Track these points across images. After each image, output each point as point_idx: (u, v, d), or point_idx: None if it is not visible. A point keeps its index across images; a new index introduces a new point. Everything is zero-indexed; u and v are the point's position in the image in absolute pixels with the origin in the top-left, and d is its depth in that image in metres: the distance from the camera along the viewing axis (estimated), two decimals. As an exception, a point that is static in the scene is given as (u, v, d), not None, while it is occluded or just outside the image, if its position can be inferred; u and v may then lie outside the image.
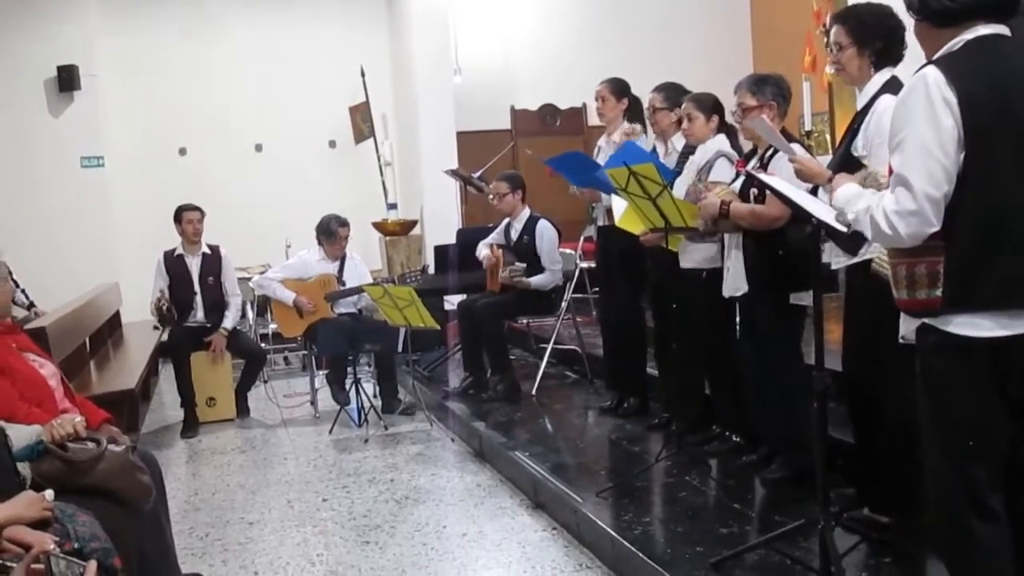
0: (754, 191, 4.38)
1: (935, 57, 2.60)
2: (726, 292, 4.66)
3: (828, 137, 10.55)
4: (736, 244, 4.55)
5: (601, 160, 6.06)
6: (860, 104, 3.72)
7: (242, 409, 7.83)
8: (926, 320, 2.60)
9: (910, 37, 3.55)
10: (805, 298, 4.29)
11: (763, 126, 4.02)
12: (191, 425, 7.42)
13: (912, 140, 2.51)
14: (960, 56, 2.55)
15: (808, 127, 9.64)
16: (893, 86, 3.58)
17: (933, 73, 2.51)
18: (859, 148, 3.61)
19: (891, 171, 2.59)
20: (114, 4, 10.88)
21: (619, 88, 6.15)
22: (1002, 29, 2.59)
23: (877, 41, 3.68)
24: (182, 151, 11.21)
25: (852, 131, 3.69)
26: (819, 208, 3.18)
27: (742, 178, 4.55)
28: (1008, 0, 2.58)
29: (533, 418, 6.62)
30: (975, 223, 2.49)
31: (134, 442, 4.18)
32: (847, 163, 3.56)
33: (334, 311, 7.63)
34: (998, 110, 2.47)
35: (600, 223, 6.32)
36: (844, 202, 2.77)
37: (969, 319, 2.51)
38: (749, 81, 4.59)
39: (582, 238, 7.82)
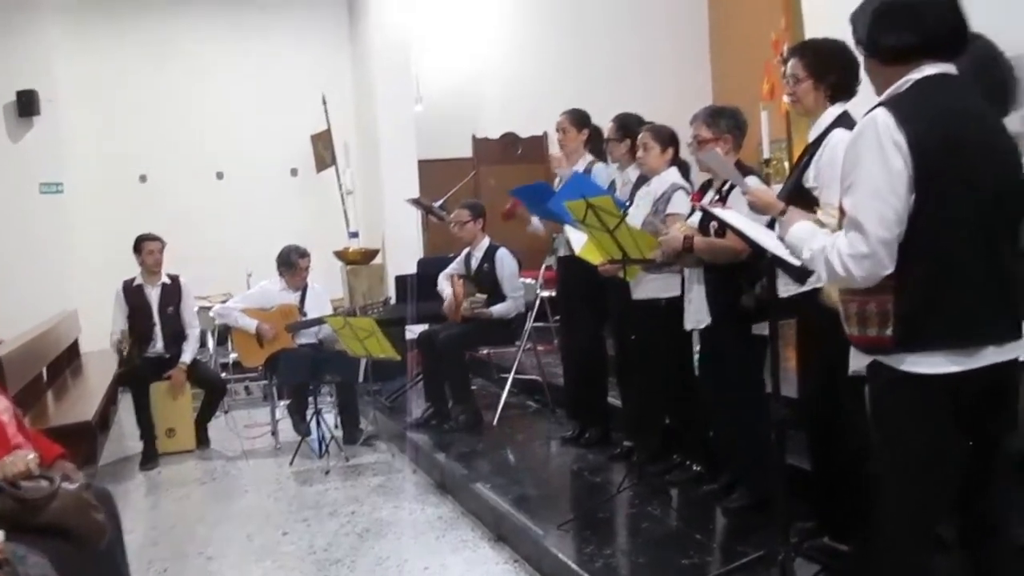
0: (714, 225, 4.41)
1: (884, 99, 2.62)
2: (688, 325, 4.68)
3: (786, 165, 10.64)
4: (697, 278, 4.57)
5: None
6: (812, 136, 3.77)
7: (202, 440, 7.76)
8: (878, 357, 2.62)
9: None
10: (767, 328, 4.31)
11: (716, 159, 4.06)
12: (150, 456, 7.34)
13: (863, 183, 2.53)
14: (908, 97, 2.58)
15: (767, 155, 9.71)
16: (846, 120, 3.64)
17: (883, 116, 2.53)
18: (810, 180, 3.66)
19: (842, 211, 2.62)
20: (75, 29, 10.84)
21: (579, 119, 6.20)
22: (949, 68, 2.61)
23: (832, 75, 3.75)
24: (143, 178, 11.14)
25: (804, 163, 3.74)
26: (771, 241, 3.20)
27: (698, 214, 4.57)
28: (953, 40, 2.61)
29: (495, 449, 6.60)
30: (925, 264, 2.51)
31: (91, 475, 4.14)
32: (798, 194, 3.60)
33: (295, 341, 7.58)
34: (946, 152, 2.50)
35: (561, 253, 6.34)
36: (798, 240, 2.79)
37: (920, 357, 2.52)
38: (705, 113, 4.64)
39: (543, 267, 7.84)
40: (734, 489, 4.75)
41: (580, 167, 6.11)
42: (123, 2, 10.98)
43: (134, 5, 11.00)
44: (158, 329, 7.60)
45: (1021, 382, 2.69)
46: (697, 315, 4.59)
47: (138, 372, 7.47)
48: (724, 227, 4.31)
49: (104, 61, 10.92)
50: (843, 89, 3.76)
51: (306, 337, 7.65)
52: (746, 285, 4.20)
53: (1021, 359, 2.74)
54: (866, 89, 2.94)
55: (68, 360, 9.01)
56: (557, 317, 7.43)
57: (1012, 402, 2.68)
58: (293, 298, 7.73)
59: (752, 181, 4.15)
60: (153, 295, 7.65)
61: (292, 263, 7.69)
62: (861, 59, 2.80)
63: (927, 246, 2.51)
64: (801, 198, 3.56)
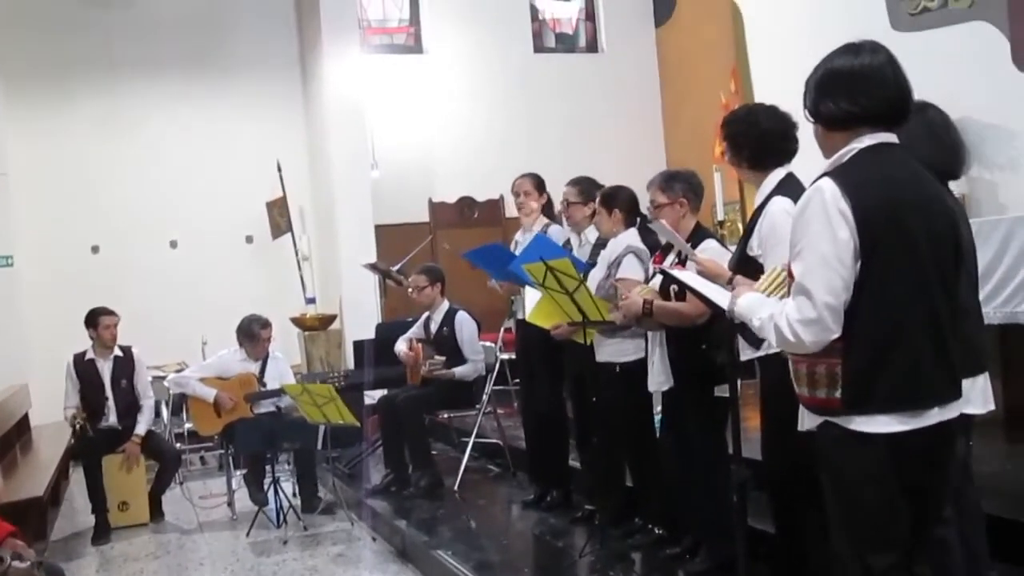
0: (674, 288, 4.44)
1: (829, 168, 2.69)
2: (651, 387, 4.69)
3: (740, 226, 10.78)
4: (659, 341, 4.59)
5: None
6: (757, 202, 3.83)
7: (156, 513, 7.60)
8: (827, 417, 2.66)
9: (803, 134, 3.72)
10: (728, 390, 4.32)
11: (663, 229, 4.13)
12: (103, 531, 7.17)
13: (810, 251, 2.60)
14: (852, 167, 2.65)
15: (720, 217, 9.87)
16: (786, 185, 3.72)
17: (828, 186, 2.60)
18: (754, 248, 3.72)
19: (791, 275, 2.66)
20: (24, 102, 10.77)
21: (540, 183, 6.30)
22: (890, 138, 2.69)
23: (744, 150, 3.86)
24: (94, 248, 11.04)
25: (748, 231, 3.80)
26: (727, 300, 3.22)
27: (659, 276, 4.60)
28: (895, 110, 2.68)
29: (456, 514, 6.53)
30: (871, 329, 2.58)
31: (41, 553, 4.04)
32: (744, 262, 3.66)
33: (254, 411, 7.49)
34: (890, 221, 2.57)
35: (520, 315, 6.35)
36: (747, 310, 2.83)
37: (868, 418, 2.58)
38: (660, 178, 4.70)
39: (502, 329, 7.84)
40: (696, 552, 4.72)
41: (536, 229, 6.15)
42: (71, 74, 10.95)
43: (83, 77, 10.97)
44: (111, 403, 7.46)
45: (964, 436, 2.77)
46: (659, 377, 4.59)
47: (90, 445, 7.31)
48: (684, 290, 4.36)
49: (54, 133, 10.85)
50: (762, 160, 3.85)
51: (265, 406, 7.54)
52: (714, 343, 4.21)
53: (968, 411, 2.81)
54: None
55: (18, 434, 8.84)
56: (517, 380, 7.43)
57: (955, 457, 2.79)
58: (253, 368, 7.63)
59: (709, 246, 4.21)
60: (105, 369, 7.52)
61: (254, 334, 7.60)
62: (809, 125, 2.85)
63: (872, 311, 2.57)
64: (748, 266, 3.63)
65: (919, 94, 2.79)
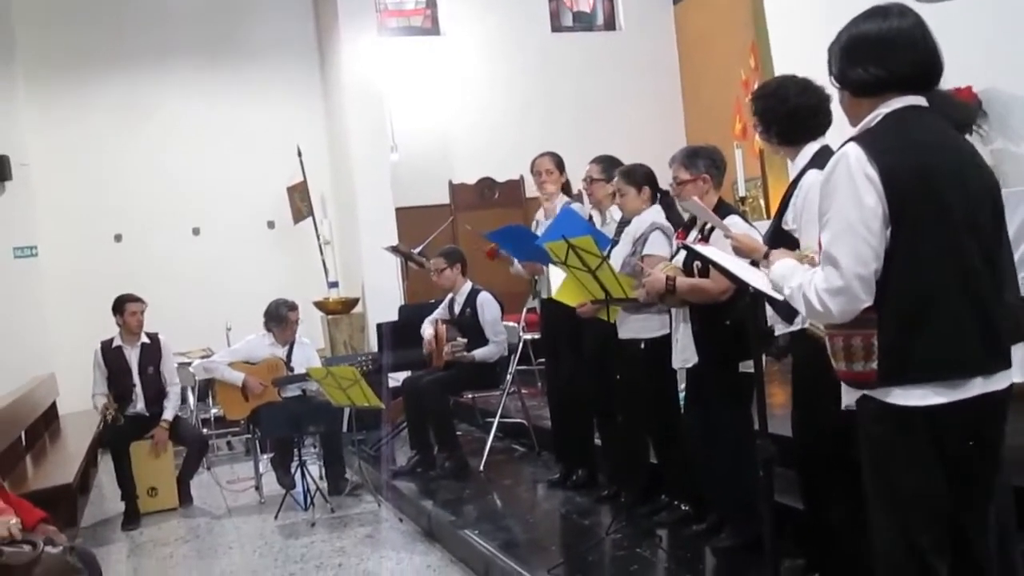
0: (697, 264, 4.42)
1: (856, 134, 2.63)
2: (676, 364, 4.68)
3: (762, 202, 10.75)
4: (684, 317, 4.57)
5: (541, 232, 6.11)
6: (792, 175, 3.79)
7: (185, 497, 7.66)
8: (865, 391, 2.61)
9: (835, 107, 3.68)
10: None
11: (696, 207, 4.09)
12: (132, 517, 7.23)
13: (837, 219, 2.54)
14: (880, 131, 2.58)
15: (742, 193, 9.81)
16: (821, 158, 3.65)
17: (854, 151, 2.53)
18: (789, 222, 3.67)
19: (821, 247, 2.63)
20: (45, 92, 10.82)
21: (559, 161, 6.28)
22: (919, 100, 2.62)
23: (773, 126, 3.83)
24: (118, 237, 11.10)
25: (783, 205, 3.76)
26: (756, 278, 3.21)
27: (683, 252, 4.58)
28: (925, 73, 2.62)
29: (482, 494, 6.56)
30: (903, 298, 2.51)
31: (72, 539, 4.08)
32: (779, 237, 3.62)
33: (281, 396, 7.53)
34: (920, 186, 2.50)
35: (544, 295, 6.35)
36: (779, 277, 2.79)
37: (906, 390, 2.51)
38: (682, 155, 4.67)
39: (525, 309, 7.84)
40: (722, 528, 4.72)
41: (557, 208, 6.14)
42: (93, 63, 10.98)
43: (104, 66, 11.00)
44: (138, 389, 7.53)
45: (1006, 416, 2.66)
46: (684, 354, 4.58)
47: (118, 432, 7.37)
48: (707, 267, 4.34)
49: (76, 123, 10.90)
50: (794, 134, 3.81)
51: (291, 390, 7.58)
52: (738, 319, 4.19)
53: (1016, 380, 2.72)
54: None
55: (46, 423, 8.91)
56: (541, 360, 7.43)
57: (998, 433, 2.65)
58: (281, 352, 7.66)
59: (733, 221, 4.18)
60: (132, 356, 7.58)
61: (282, 317, 7.62)
62: (835, 93, 2.80)
63: (905, 279, 2.51)
64: (782, 241, 3.58)
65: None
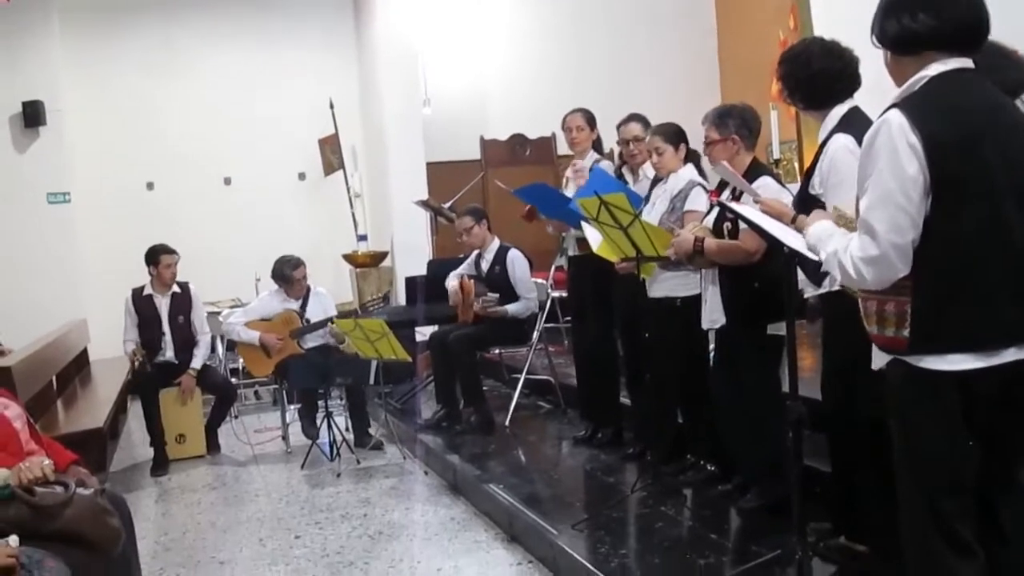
0: (727, 225, 4.38)
1: (898, 98, 2.58)
2: (705, 324, 4.65)
3: (796, 165, 10.62)
4: (712, 278, 4.54)
5: (570, 190, 6.09)
6: (820, 138, 3.75)
7: (212, 445, 7.75)
8: (896, 356, 2.60)
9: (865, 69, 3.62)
10: (783, 327, 4.28)
11: (725, 171, 4.05)
12: (161, 463, 7.33)
13: (877, 186, 2.51)
14: (923, 97, 2.54)
15: (776, 155, 9.70)
16: (849, 121, 3.62)
17: (897, 118, 2.49)
18: (816, 187, 3.64)
19: (859, 212, 2.60)
20: (80, 39, 10.84)
21: (591, 118, 6.24)
22: (965, 63, 2.57)
23: (797, 91, 3.79)
24: (150, 185, 11.14)
25: (810, 169, 3.72)
26: (791, 237, 3.18)
27: (715, 212, 4.55)
28: (968, 32, 2.56)
29: (507, 450, 6.58)
30: (940, 267, 2.49)
31: (103, 482, 4.12)
32: (807, 201, 3.60)
33: (301, 347, 7.56)
34: (963, 154, 2.46)
35: (571, 253, 6.33)
36: (816, 240, 2.77)
37: (938, 356, 2.51)
38: (713, 114, 4.62)
39: (553, 267, 7.83)
40: (748, 489, 4.72)
41: (587, 165, 6.11)
42: (128, 12, 10.97)
43: (139, 14, 10.99)
44: (168, 338, 7.59)
45: None
46: (712, 314, 4.56)
47: (148, 379, 7.44)
48: (737, 228, 4.31)
49: (109, 70, 10.93)
50: (818, 98, 3.76)
51: (312, 341, 7.61)
52: (768, 281, 4.16)
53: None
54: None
55: (77, 368, 9.01)
56: (568, 317, 7.42)
57: None
58: (294, 306, 7.68)
59: (764, 183, 4.14)
60: (163, 305, 7.63)
61: (286, 276, 7.64)
62: (882, 56, 2.74)
63: (944, 248, 2.48)
64: (810, 205, 3.55)
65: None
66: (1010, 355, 2.49)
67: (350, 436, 7.35)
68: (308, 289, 7.77)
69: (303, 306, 7.70)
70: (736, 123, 4.55)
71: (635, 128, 5.70)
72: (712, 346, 4.96)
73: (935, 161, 2.45)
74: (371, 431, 7.51)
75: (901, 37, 2.58)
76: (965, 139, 2.47)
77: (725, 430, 4.84)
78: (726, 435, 4.84)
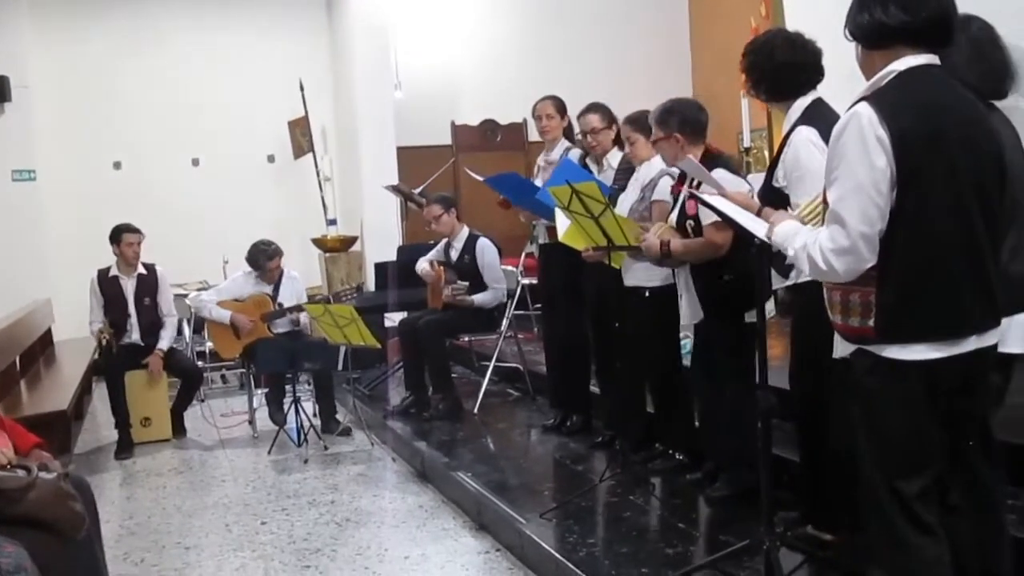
0: (690, 223, 4.40)
1: (867, 92, 2.62)
2: (684, 321, 4.66)
3: (766, 153, 10.65)
4: (684, 277, 4.55)
5: (541, 178, 6.07)
6: (784, 130, 3.77)
7: (178, 429, 7.68)
8: (861, 345, 2.64)
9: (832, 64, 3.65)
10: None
11: (691, 165, 4.06)
12: (126, 446, 7.26)
13: (846, 178, 2.55)
14: (891, 91, 2.58)
15: (747, 144, 9.74)
16: (812, 113, 3.67)
17: (866, 111, 2.53)
18: (779, 179, 3.67)
19: (826, 203, 2.63)
20: (47, 14, 10.69)
21: (562, 105, 6.23)
22: (932, 59, 2.62)
23: (761, 83, 3.83)
24: (116, 165, 11.02)
25: (774, 161, 3.75)
26: (759, 227, 3.18)
27: (676, 210, 4.55)
28: (936, 29, 2.60)
29: (475, 437, 6.57)
30: (906, 259, 2.54)
31: (66, 465, 4.07)
32: (771, 193, 3.61)
33: (271, 331, 7.51)
34: (929, 149, 2.51)
35: (541, 241, 6.31)
36: (783, 239, 2.80)
37: (902, 346, 2.56)
38: (657, 112, 4.66)
39: (523, 254, 7.81)
40: (717, 478, 4.73)
41: (557, 152, 6.11)
42: (97, -12, 10.84)
43: (109, -9, 10.87)
44: (134, 320, 7.50)
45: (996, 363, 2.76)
46: (691, 310, 4.57)
47: (113, 361, 7.37)
48: (700, 225, 4.32)
49: (77, 47, 10.78)
50: (780, 91, 3.80)
51: (282, 326, 7.57)
52: (736, 273, 4.18)
53: (1009, 350, 2.77)
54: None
55: (41, 349, 8.91)
56: (538, 305, 7.41)
57: (987, 387, 2.75)
58: (267, 289, 7.63)
59: (720, 175, 4.14)
60: (129, 286, 7.54)
61: (260, 266, 7.58)
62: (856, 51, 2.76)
63: (908, 240, 2.53)
64: (774, 197, 3.60)
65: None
66: (971, 344, 2.58)
67: (317, 422, 7.31)
68: (282, 272, 7.71)
69: (276, 289, 7.65)
70: (678, 120, 4.58)
71: (592, 119, 5.68)
72: (683, 335, 4.97)
73: (902, 154, 2.49)
74: (339, 417, 7.47)
75: (872, 30, 2.62)
76: (931, 134, 2.52)
77: (698, 419, 4.84)
78: (702, 423, 4.85)
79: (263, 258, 7.58)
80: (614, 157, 5.63)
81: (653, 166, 5.08)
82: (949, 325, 2.55)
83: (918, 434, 2.60)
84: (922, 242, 2.53)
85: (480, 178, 6.46)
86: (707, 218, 4.26)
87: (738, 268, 4.17)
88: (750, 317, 4.28)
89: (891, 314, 2.55)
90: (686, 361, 5.06)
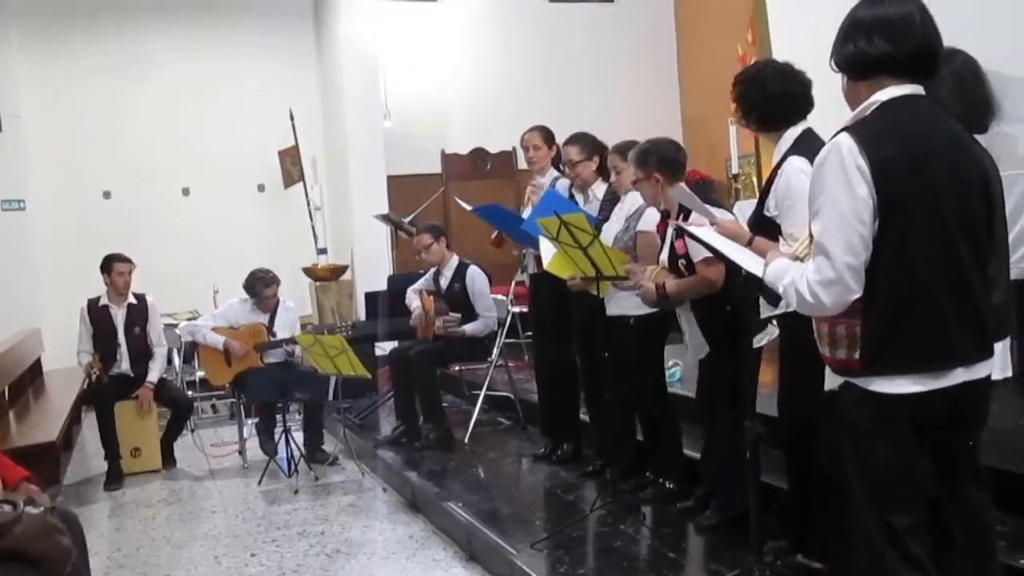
0: (682, 262, 4.41)
1: (849, 123, 2.63)
2: (691, 356, 4.65)
3: (755, 180, 10.70)
4: (685, 313, 4.56)
5: (532, 202, 6.10)
6: (774, 161, 3.79)
7: (168, 459, 7.65)
8: (848, 378, 2.64)
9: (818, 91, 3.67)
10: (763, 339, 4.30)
11: (684, 194, 4.08)
12: (115, 477, 7.22)
13: (829, 209, 2.55)
14: (873, 121, 2.58)
15: (735, 170, 9.79)
16: (802, 143, 3.67)
17: (847, 141, 2.53)
18: (771, 208, 3.68)
19: (812, 236, 2.63)
20: (38, 45, 10.73)
21: (549, 136, 6.25)
22: (916, 89, 2.62)
23: (752, 112, 3.85)
24: (107, 194, 11.02)
25: (765, 190, 3.76)
26: (748, 260, 3.20)
27: (667, 250, 4.56)
28: (921, 60, 2.61)
29: (466, 466, 6.55)
30: (889, 288, 2.53)
31: (55, 496, 4.06)
32: (762, 223, 3.62)
33: (263, 361, 7.49)
34: (911, 178, 2.51)
35: (531, 270, 6.33)
36: (775, 277, 2.79)
37: (887, 379, 2.54)
38: (634, 154, 4.71)
39: (514, 282, 7.83)
40: (707, 506, 4.73)
41: (546, 182, 6.13)
42: (88, 19, 10.89)
43: (99, 22, 10.91)
44: (123, 349, 7.48)
45: (990, 399, 2.72)
46: (696, 344, 4.56)
47: (103, 391, 7.34)
48: (691, 264, 4.34)
49: (68, 77, 10.81)
50: (772, 120, 3.82)
51: (274, 357, 7.55)
52: (736, 303, 4.19)
53: (992, 376, 2.76)
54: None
55: (31, 379, 8.88)
56: (529, 333, 7.41)
57: (979, 418, 2.72)
58: (263, 318, 7.61)
59: (718, 212, 4.16)
60: (119, 316, 7.52)
61: (257, 293, 7.56)
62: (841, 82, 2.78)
63: (892, 271, 2.52)
64: (766, 226, 3.60)
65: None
66: (958, 376, 2.55)
67: (331, 450, 7.29)
68: (278, 302, 7.70)
69: (271, 319, 7.63)
70: (656, 160, 4.61)
71: (571, 151, 5.71)
72: (670, 363, 4.98)
73: (883, 184, 2.49)
74: (325, 447, 7.44)
75: (856, 60, 2.63)
76: (912, 163, 2.51)
77: (705, 448, 4.83)
78: (705, 453, 4.84)
79: (260, 285, 7.56)
80: (599, 188, 5.66)
81: (638, 196, 5.10)
82: (934, 357, 2.53)
83: (906, 468, 2.58)
84: (905, 272, 2.52)
85: (468, 207, 6.48)
86: (698, 255, 4.28)
87: (738, 299, 4.18)
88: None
89: (876, 346, 2.54)
90: (673, 388, 5.07)
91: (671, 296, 4.44)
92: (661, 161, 4.61)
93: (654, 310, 4.84)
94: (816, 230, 2.58)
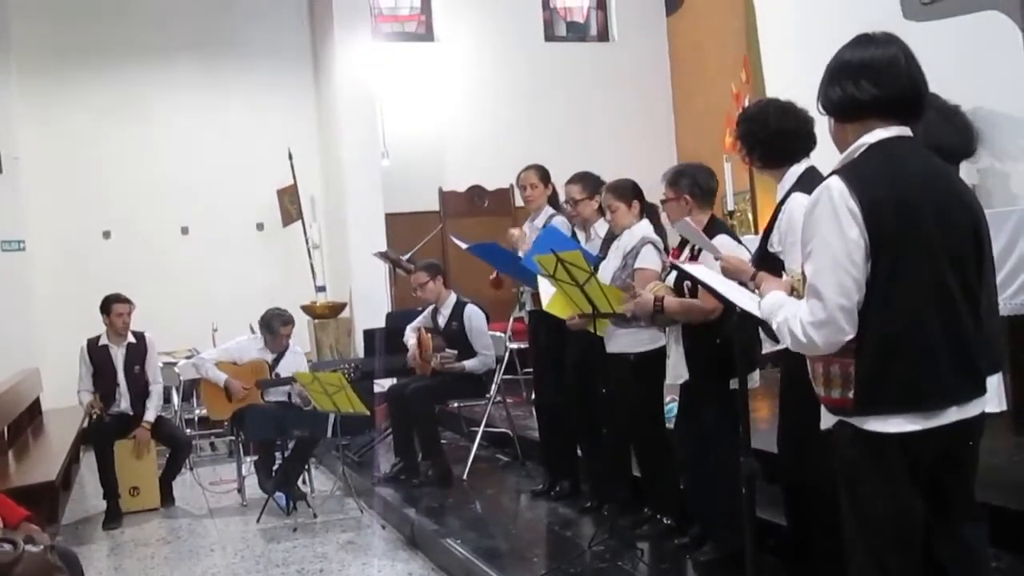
0: (687, 284, 4.44)
1: (839, 165, 2.66)
2: (669, 380, 4.69)
3: (750, 216, 10.79)
4: (675, 334, 4.60)
5: (527, 243, 6.14)
6: (778, 197, 3.83)
7: (167, 498, 7.64)
8: (842, 417, 2.65)
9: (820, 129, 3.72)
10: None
11: (687, 228, 4.11)
12: (114, 516, 7.21)
13: (821, 251, 2.57)
14: (862, 163, 2.61)
15: (730, 207, 9.85)
16: (806, 180, 3.69)
17: (837, 184, 2.56)
18: (774, 244, 3.71)
19: (805, 277, 2.66)
20: (38, 86, 10.83)
21: (545, 174, 6.30)
22: (903, 131, 2.65)
23: (756, 150, 3.89)
24: (106, 234, 11.09)
25: (769, 227, 3.79)
26: (742, 297, 3.23)
27: (674, 271, 4.60)
28: (907, 102, 2.64)
29: (465, 503, 6.56)
30: (881, 329, 2.54)
31: (53, 536, 4.07)
32: (765, 259, 3.66)
33: (264, 398, 7.50)
34: (901, 219, 2.53)
35: (529, 308, 6.37)
36: (770, 310, 2.82)
37: (881, 419, 2.56)
38: (670, 173, 4.74)
39: (511, 319, 7.86)
40: (704, 542, 4.74)
41: (541, 220, 6.18)
42: (88, 60, 11.00)
43: (98, 63, 11.02)
44: (123, 388, 7.49)
45: (982, 434, 2.72)
46: (676, 370, 4.60)
47: (102, 430, 7.35)
48: (697, 286, 4.37)
49: (68, 118, 10.91)
50: (776, 157, 3.86)
51: (276, 395, 7.55)
52: (727, 337, 4.22)
53: (986, 411, 2.78)
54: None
55: (30, 419, 8.90)
56: (527, 369, 7.43)
57: (973, 456, 2.72)
58: (269, 358, 7.62)
59: (721, 242, 4.21)
60: (119, 355, 7.54)
61: (273, 330, 7.58)
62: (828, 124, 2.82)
63: (885, 311, 2.54)
64: (769, 262, 3.63)
65: (931, 84, 2.72)
66: (951, 415, 2.56)
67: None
68: (287, 345, 7.72)
69: (277, 360, 7.63)
70: (688, 183, 4.65)
71: (572, 190, 5.77)
72: (667, 399, 5.00)
73: (874, 226, 2.51)
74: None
75: (843, 104, 2.66)
76: (902, 204, 2.54)
77: (688, 482, 4.85)
78: (688, 487, 4.86)
79: (278, 322, 7.58)
80: (601, 226, 5.69)
81: (634, 234, 5.15)
82: (928, 396, 2.54)
83: (901, 507, 2.59)
84: (896, 312, 2.53)
85: (464, 246, 6.52)
86: None
87: (728, 333, 4.21)
88: (734, 384, 4.31)
89: (868, 385, 2.55)
90: (670, 424, 5.08)
91: (667, 311, 4.45)
92: (693, 184, 4.64)
93: (653, 347, 4.87)
94: (809, 272, 2.61)
